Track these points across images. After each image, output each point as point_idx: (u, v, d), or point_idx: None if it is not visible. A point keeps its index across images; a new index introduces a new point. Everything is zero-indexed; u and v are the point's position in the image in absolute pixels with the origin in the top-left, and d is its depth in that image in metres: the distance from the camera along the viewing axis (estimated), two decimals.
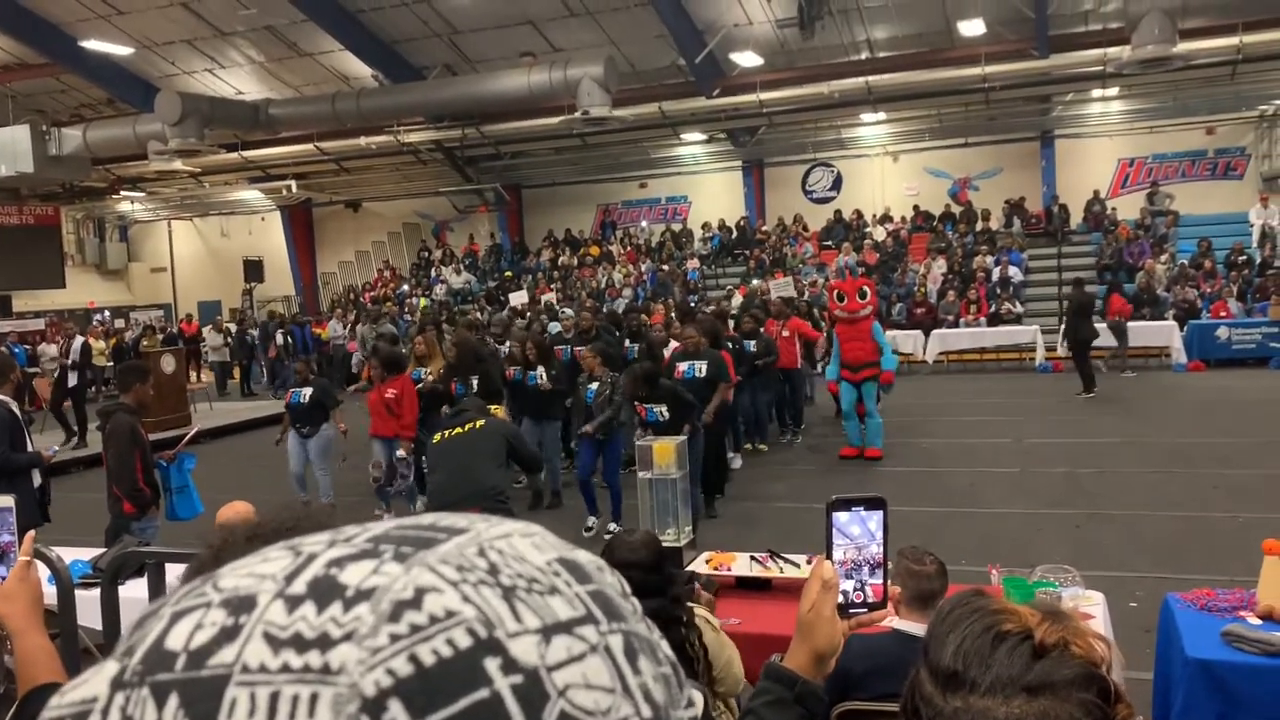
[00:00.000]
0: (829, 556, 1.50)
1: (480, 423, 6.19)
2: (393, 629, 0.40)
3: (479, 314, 19.23)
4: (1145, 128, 22.42)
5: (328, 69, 22.36)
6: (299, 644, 0.40)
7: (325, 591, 0.42)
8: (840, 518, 1.52)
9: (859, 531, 1.53)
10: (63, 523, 7.75)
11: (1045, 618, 0.97)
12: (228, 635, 0.41)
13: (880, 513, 1.53)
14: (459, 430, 6.14)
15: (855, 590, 1.52)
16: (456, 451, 6.06)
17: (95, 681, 0.42)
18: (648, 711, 0.43)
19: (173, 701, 0.40)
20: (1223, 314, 17.77)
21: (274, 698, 0.39)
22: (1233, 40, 17.28)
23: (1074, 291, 15.51)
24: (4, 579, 1.80)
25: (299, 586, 0.42)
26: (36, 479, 6.69)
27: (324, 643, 0.40)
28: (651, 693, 0.43)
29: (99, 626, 3.73)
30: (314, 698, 0.39)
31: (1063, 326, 15.76)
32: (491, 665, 0.40)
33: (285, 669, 0.39)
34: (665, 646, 0.47)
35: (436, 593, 0.42)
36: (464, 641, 0.40)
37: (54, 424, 14.93)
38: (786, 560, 4.93)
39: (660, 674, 0.45)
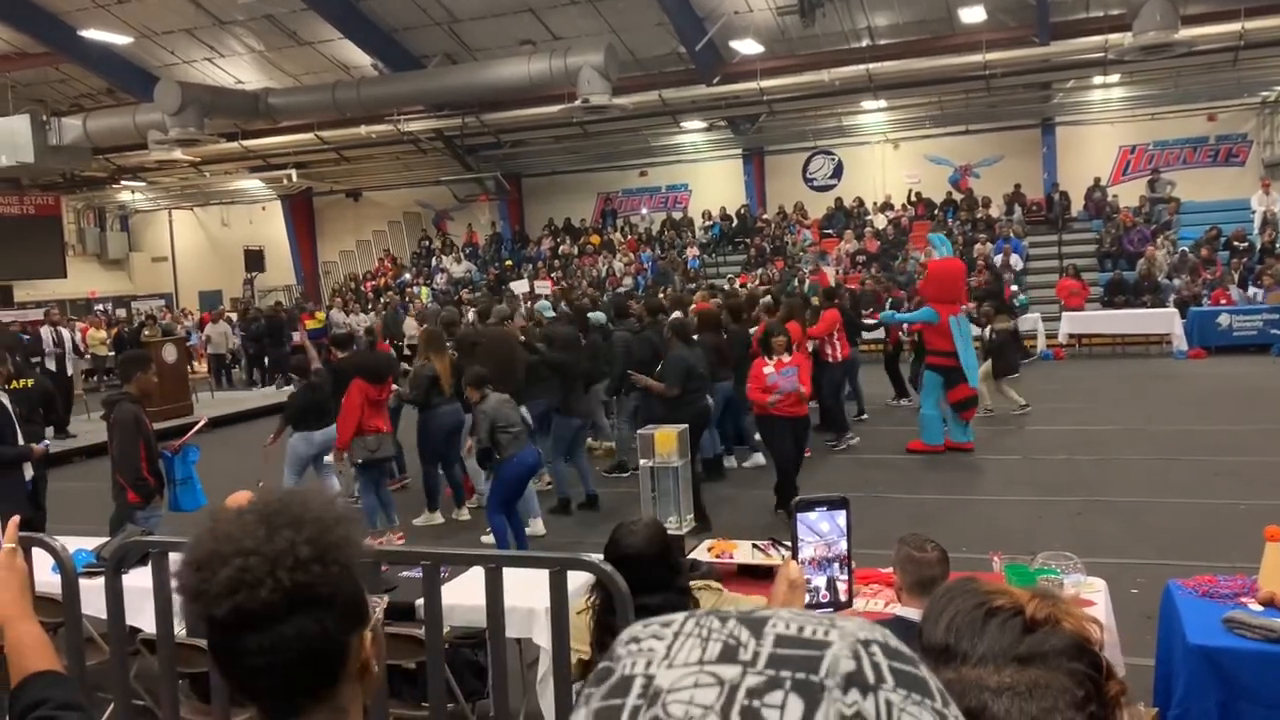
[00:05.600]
0: (795, 556, 1.53)
1: None
2: None
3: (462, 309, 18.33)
4: (1147, 114, 22.34)
5: (327, 58, 22.30)
6: None
7: None
8: (809, 517, 1.54)
9: (828, 528, 1.55)
10: (66, 512, 7.77)
11: (1036, 595, 0.99)
12: None
13: (844, 512, 1.54)
14: None
15: (825, 589, 1.54)
16: None
17: None
18: None
19: None
20: (1223, 301, 17.75)
21: None
22: (1235, 26, 17.23)
23: (990, 282, 15.83)
24: None
25: None
26: (28, 472, 6.74)
27: None
28: None
29: (103, 615, 3.75)
30: None
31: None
32: None
33: None
34: None
35: None
36: None
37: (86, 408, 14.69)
38: (789, 548, 4.94)
39: None
